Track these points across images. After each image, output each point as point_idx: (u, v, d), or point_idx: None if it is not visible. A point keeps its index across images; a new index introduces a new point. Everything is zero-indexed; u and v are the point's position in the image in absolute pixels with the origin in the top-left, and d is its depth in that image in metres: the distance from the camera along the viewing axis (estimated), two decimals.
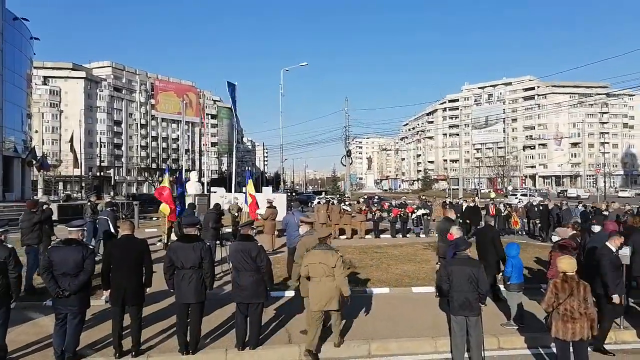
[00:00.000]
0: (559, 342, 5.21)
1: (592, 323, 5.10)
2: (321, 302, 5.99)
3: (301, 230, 7.57)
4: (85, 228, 5.93)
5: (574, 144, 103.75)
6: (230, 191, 28.00)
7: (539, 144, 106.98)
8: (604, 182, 59.83)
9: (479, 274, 5.69)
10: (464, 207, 19.50)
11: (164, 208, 13.68)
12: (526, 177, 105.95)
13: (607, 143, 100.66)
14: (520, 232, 20.26)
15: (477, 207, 19.28)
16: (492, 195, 35.02)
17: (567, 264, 5.31)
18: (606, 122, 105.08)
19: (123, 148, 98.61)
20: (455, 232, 7.40)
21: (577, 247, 7.90)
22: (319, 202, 31.01)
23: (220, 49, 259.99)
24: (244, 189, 19.07)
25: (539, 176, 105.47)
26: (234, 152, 29.49)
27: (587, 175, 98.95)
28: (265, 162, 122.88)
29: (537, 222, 19.61)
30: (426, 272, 11.10)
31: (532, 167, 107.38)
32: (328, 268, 6.02)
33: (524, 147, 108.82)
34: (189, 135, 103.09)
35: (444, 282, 5.78)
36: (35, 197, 38.88)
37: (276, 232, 15.23)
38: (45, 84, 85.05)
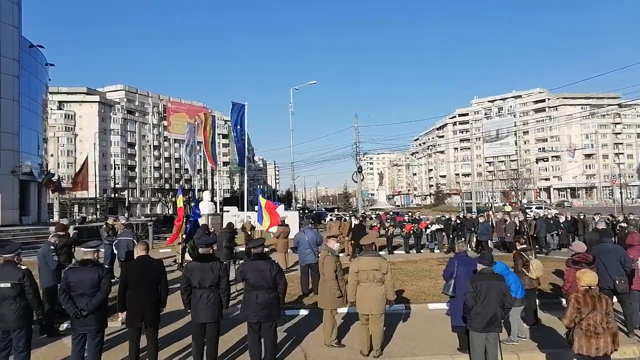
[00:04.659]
0: (582, 358, 5.07)
1: (614, 337, 4.97)
2: (370, 306, 6.36)
3: (330, 245, 7.49)
4: (101, 249, 6.03)
5: (588, 156, 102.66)
6: (242, 210, 28.09)
7: (552, 156, 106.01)
8: (620, 193, 58.84)
9: (506, 289, 5.73)
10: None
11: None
12: (540, 189, 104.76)
13: (622, 154, 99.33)
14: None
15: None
16: (508, 209, 34.68)
17: (591, 277, 5.19)
18: (619, 133, 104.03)
19: (137, 169, 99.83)
20: (460, 247, 7.44)
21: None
22: (331, 219, 30.96)
23: (229, 69, 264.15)
24: (256, 207, 19.13)
25: (554, 188, 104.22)
26: (245, 171, 29.69)
27: (602, 187, 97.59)
28: (277, 181, 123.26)
29: (553, 235, 19.39)
30: (442, 288, 10.95)
31: (546, 179, 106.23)
32: (380, 274, 6.35)
33: (537, 160, 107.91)
34: (200, 155, 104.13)
35: (471, 299, 5.64)
36: (51, 220, 39.42)
37: (289, 250, 15.20)
38: (61, 109, 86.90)
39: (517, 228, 18.30)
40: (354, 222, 19.12)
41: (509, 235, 18.11)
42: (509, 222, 18.80)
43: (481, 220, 19.18)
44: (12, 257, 5.90)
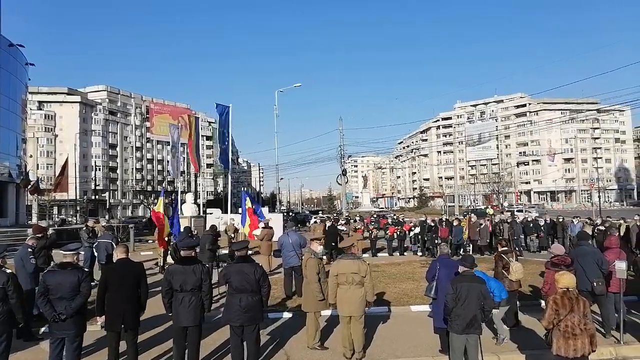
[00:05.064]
0: (561, 359, 5.13)
1: (592, 338, 5.05)
2: (350, 308, 6.37)
3: (314, 248, 7.49)
4: (81, 252, 5.91)
5: (567, 160, 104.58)
6: (226, 212, 27.86)
7: (533, 160, 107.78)
8: (599, 196, 60.06)
9: (486, 292, 5.77)
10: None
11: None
12: (521, 193, 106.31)
13: (600, 158, 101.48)
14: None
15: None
16: (490, 211, 35.21)
17: (569, 279, 5.28)
18: (598, 138, 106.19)
19: (118, 171, 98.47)
20: (442, 249, 7.53)
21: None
22: (315, 222, 30.93)
23: (214, 70, 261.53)
24: (239, 209, 19.01)
25: (534, 192, 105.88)
26: (229, 173, 29.50)
27: (581, 190, 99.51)
28: (261, 183, 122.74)
29: (533, 237, 19.75)
30: (424, 290, 11.02)
31: (526, 183, 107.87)
32: (359, 277, 6.36)
33: (518, 164, 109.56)
34: (184, 157, 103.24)
35: (451, 301, 5.68)
36: (29, 222, 38.62)
37: (272, 253, 15.14)
38: (41, 109, 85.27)
39: (491, 230, 18.67)
40: (327, 223, 19.20)
41: (482, 238, 18.51)
42: (483, 225, 19.10)
43: (455, 223, 19.42)
44: None
